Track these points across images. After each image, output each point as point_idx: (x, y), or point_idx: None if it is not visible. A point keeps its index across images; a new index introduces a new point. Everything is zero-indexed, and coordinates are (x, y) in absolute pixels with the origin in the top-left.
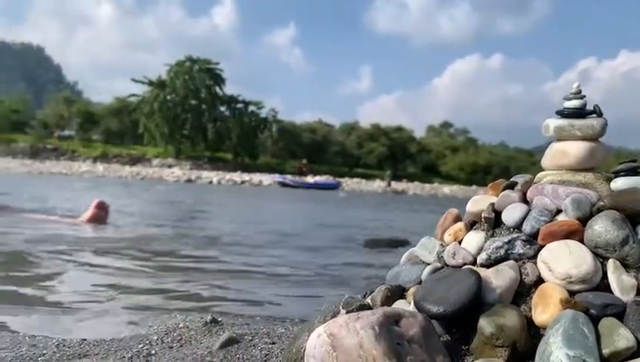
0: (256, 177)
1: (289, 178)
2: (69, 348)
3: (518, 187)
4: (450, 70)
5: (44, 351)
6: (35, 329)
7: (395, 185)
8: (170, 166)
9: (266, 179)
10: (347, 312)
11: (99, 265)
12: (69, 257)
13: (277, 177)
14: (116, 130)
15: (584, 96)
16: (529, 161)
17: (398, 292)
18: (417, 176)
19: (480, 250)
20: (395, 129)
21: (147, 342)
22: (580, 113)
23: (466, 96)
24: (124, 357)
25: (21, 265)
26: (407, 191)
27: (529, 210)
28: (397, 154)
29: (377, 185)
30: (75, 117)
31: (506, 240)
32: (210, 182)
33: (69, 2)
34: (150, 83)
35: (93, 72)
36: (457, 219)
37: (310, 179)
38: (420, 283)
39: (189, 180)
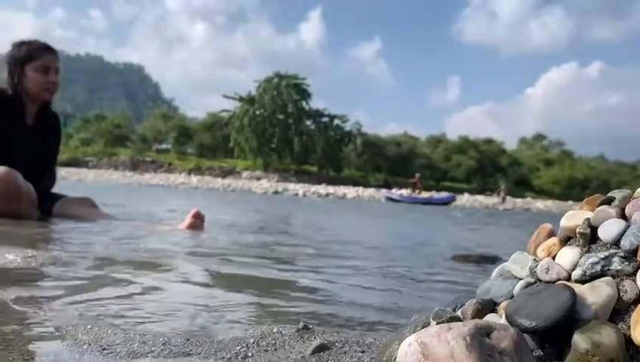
0: (340, 190)
1: (404, 193)
2: (174, 346)
3: (616, 202)
4: (545, 79)
5: (153, 348)
6: (143, 328)
7: (488, 200)
8: (258, 178)
9: (371, 193)
10: (437, 323)
11: (197, 270)
12: (169, 263)
13: (387, 192)
14: (209, 144)
15: None
16: (632, 174)
17: (489, 306)
18: (509, 190)
19: (574, 266)
20: (484, 141)
21: (244, 344)
22: None
23: (561, 106)
24: (223, 357)
25: (123, 268)
26: (497, 206)
27: (628, 226)
28: (486, 168)
29: (466, 199)
30: (172, 131)
31: (603, 256)
32: (296, 194)
33: (166, 23)
34: (240, 99)
35: (188, 88)
36: (551, 234)
37: (424, 194)
38: (511, 297)
39: (276, 192)
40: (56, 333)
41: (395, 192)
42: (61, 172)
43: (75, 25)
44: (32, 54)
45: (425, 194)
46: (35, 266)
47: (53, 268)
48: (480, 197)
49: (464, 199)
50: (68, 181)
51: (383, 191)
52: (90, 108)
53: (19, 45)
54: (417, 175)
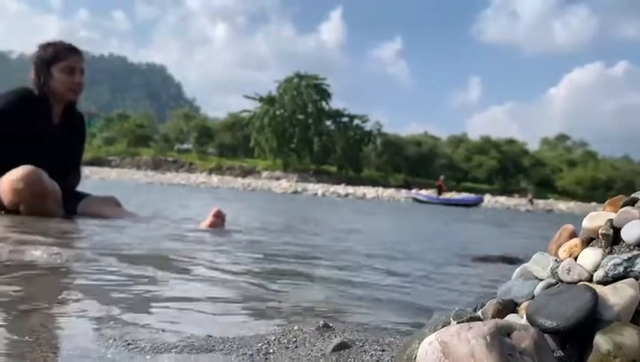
0: (360, 190)
1: (425, 193)
2: (196, 342)
3: (639, 203)
4: (568, 79)
5: (176, 344)
6: (166, 324)
7: (510, 201)
8: (278, 178)
9: (391, 193)
10: (458, 323)
11: (219, 268)
12: (191, 261)
13: (408, 193)
14: (229, 144)
15: None
16: None
17: (510, 307)
18: (531, 191)
19: (596, 267)
20: (506, 141)
21: (266, 341)
22: None
23: (585, 106)
24: (245, 353)
25: (146, 266)
26: (519, 207)
27: None
28: (508, 168)
29: (488, 200)
30: (193, 131)
31: (625, 257)
32: (315, 194)
33: (188, 24)
34: (261, 99)
35: (210, 88)
36: (573, 235)
37: (449, 195)
38: (532, 298)
39: (295, 192)
40: (83, 328)
41: (417, 192)
42: (85, 171)
43: (99, 26)
44: (58, 55)
45: (449, 196)
46: (61, 263)
47: (77, 265)
48: (502, 199)
49: (486, 200)
50: (91, 180)
51: (403, 192)
52: (114, 108)
53: (45, 46)
54: (442, 177)
